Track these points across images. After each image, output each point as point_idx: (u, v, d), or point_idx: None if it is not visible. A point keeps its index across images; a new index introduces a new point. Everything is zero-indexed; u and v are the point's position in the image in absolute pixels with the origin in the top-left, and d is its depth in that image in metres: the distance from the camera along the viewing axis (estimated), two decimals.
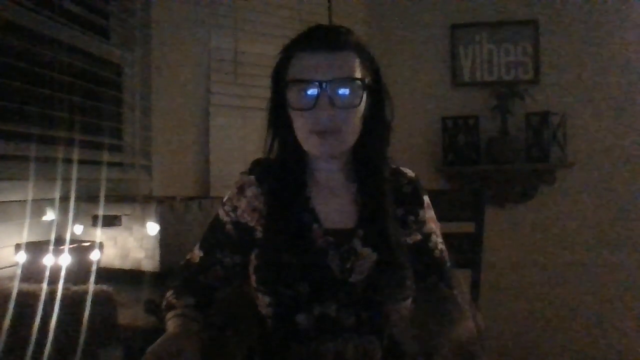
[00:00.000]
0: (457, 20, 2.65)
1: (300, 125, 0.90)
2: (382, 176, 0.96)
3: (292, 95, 0.89)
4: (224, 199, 0.99)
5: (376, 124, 0.94)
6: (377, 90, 0.94)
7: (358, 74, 0.89)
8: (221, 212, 0.97)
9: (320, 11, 2.38)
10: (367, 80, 0.90)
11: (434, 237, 0.97)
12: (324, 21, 2.36)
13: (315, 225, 0.92)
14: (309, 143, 0.91)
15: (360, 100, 0.89)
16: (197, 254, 0.96)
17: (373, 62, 0.94)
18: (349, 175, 0.98)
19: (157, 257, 1.22)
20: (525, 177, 2.56)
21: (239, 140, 2.12)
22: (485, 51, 2.64)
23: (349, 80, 0.87)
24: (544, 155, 2.45)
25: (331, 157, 0.94)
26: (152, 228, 1.23)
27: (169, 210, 1.26)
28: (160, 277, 1.21)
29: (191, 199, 1.45)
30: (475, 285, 1.35)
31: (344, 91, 0.87)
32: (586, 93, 2.56)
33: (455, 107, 2.60)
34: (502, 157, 2.45)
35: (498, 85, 2.52)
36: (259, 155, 0.99)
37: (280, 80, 0.93)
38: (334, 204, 0.95)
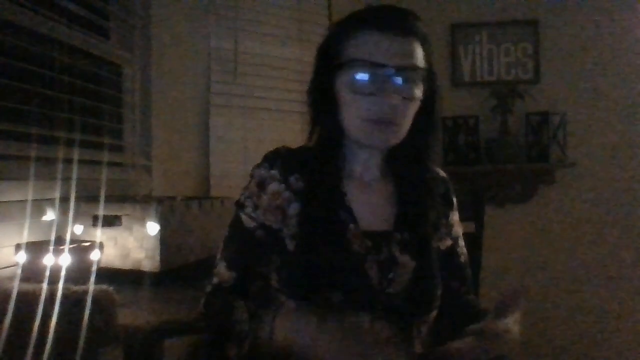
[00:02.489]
0: (457, 20, 2.66)
1: (355, 111, 0.81)
2: (425, 176, 0.90)
3: (353, 77, 0.80)
4: (241, 199, 0.88)
5: (426, 120, 0.87)
6: (431, 83, 0.87)
7: (422, 64, 0.83)
8: (244, 217, 0.86)
9: (320, 11, 2.38)
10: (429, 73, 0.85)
11: (460, 242, 0.95)
12: (324, 21, 2.36)
13: (351, 226, 0.84)
14: (362, 131, 0.82)
15: (421, 93, 0.83)
16: (226, 275, 0.85)
17: (431, 54, 0.86)
18: (384, 169, 0.91)
19: (157, 257, 1.22)
20: (525, 177, 2.56)
21: (239, 140, 2.12)
22: (485, 51, 2.64)
23: (417, 70, 0.81)
24: (544, 155, 2.45)
25: (381, 149, 0.87)
26: (152, 228, 1.23)
27: (169, 210, 1.26)
28: (161, 277, 1.21)
29: (191, 199, 1.45)
30: (474, 285, 1.35)
31: (411, 81, 0.80)
32: (586, 93, 2.57)
33: (455, 107, 2.60)
34: (502, 157, 2.45)
35: (498, 85, 2.52)
36: (260, 155, 0.93)
37: (331, 58, 0.84)
38: (369, 201, 0.88)
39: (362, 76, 0.80)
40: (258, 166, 0.89)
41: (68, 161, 1.31)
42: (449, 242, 0.92)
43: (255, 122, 2.14)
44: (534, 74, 2.60)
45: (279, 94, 2.15)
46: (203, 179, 2.05)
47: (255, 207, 0.86)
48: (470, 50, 2.65)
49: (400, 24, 0.81)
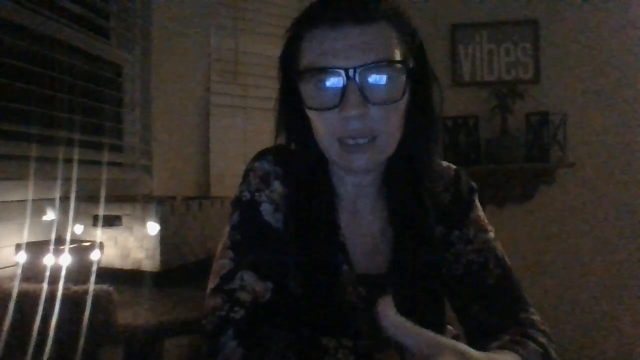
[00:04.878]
0: (457, 20, 2.65)
1: (322, 130, 0.67)
2: (423, 194, 0.73)
3: (307, 90, 0.65)
4: (248, 195, 0.72)
5: (421, 121, 0.71)
6: (421, 75, 0.70)
7: (398, 55, 0.64)
8: (264, 210, 0.70)
9: None
10: (410, 63, 0.66)
11: (483, 256, 0.73)
12: None
13: (345, 268, 0.70)
14: (334, 152, 0.67)
15: (403, 92, 0.64)
16: (259, 287, 0.65)
17: (415, 36, 0.69)
18: (380, 191, 0.75)
19: (158, 257, 1.22)
20: (525, 177, 2.56)
21: (239, 140, 2.12)
22: (485, 51, 2.64)
23: (387, 65, 0.63)
24: (544, 155, 2.45)
25: (366, 172, 0.71)
26: (153, 228, 1.23)
27: (169, 210, 1.26)
28: (161, 277, 1.21)
29: (191, 199, 1.45)
30: None
31: (380, 80, 0.63)
32: (586, 93, 2.57)
33: (455, 107, 2.60)
34: (502, 157, 2.45)
35: (498, 85, 2.52)
36: None
37: (290, 69, 0.70)
38: (361, 234, 0.74)
39: (315, 87, 0.65)
40: (259, 159, 0.75)
41: (68, 161, 1.31)
42: (468, 258, 0.74)
43: (255, 122, 2.14)
44: (534, 74, 2.60)
45: None
46: (203, 179, 2.05)
47: (272, 202, 0.72)
48: (470, 50, 2.65)
49: (355, 8, 0.63)
